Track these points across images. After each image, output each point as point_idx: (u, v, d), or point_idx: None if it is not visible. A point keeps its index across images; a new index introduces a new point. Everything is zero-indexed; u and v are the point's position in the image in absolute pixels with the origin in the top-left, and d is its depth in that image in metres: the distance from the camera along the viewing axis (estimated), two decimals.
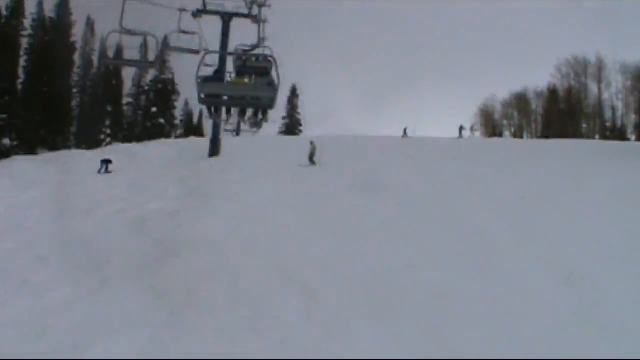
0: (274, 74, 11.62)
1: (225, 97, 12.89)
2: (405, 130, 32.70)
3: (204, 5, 23.97)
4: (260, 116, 14.49)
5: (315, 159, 20.19)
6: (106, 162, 19.58)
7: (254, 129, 23.66)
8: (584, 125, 47.28)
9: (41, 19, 32.52)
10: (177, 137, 37.26)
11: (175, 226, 11.04)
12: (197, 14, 23.87)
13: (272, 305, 6.83)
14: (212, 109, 14.67)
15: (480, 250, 8.73)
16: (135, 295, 7.23)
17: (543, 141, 36.46)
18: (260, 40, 17.11)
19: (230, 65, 12.88)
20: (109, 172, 19.34)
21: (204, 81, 11.64)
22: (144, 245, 9.77)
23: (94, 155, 23.63)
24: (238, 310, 6.71)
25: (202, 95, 11.66)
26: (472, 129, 34.95)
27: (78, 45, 38.11)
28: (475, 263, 8.20)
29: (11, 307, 6.93)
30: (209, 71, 12.99)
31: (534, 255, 8.54)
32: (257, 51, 14.80)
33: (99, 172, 19.27)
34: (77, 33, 37.54)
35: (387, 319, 6.43)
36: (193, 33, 21.19)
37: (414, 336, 6.00)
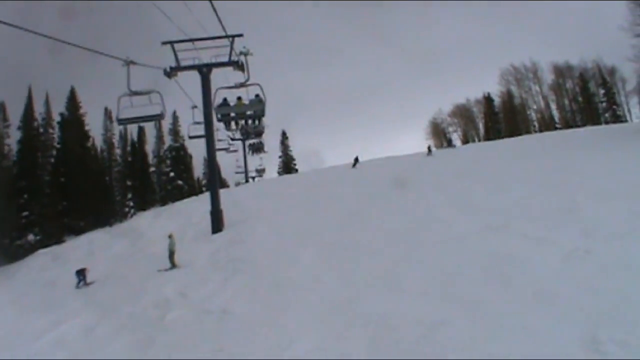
0: (261, 94, 18.97)
1: (233, 114, 20.13)
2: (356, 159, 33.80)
3: (178, 62, 21.25)
4: (257, 122, 25.89)
5: (176, 257, 15.73)
6: (81, 273, 16.65)
7: (258, 140, 39.68)
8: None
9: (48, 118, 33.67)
10: (199, 193, 36.89)
11: None
12: (171, 72, 21.28)
13: None
14: (225, 124, 22.09)
15: None
16: None
17: (505, 140, 39.42)
18: (249, 78, 20.10)
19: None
20: (88, 284, 16.42)
21: (219, 107, 19.47)
22: None
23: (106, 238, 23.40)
24: None
25: (219, 116, 19.70)
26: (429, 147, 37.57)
27: (100, 133, 40.13)
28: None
29: None
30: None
31: None
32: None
33: (77, 286, 16.38)
34: (93, 121, 39.68)
35: None
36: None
37: None
